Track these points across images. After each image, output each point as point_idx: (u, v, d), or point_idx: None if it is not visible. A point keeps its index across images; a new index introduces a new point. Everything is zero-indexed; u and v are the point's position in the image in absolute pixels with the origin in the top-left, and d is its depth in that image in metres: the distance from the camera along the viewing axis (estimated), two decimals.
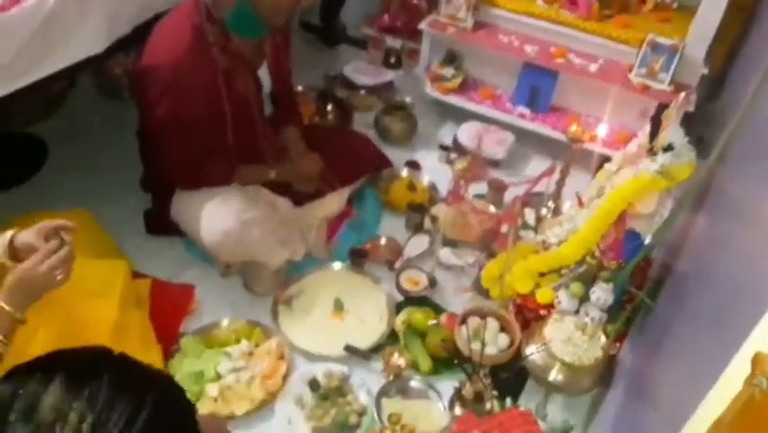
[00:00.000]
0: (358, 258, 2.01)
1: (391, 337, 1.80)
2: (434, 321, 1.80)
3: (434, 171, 2.39)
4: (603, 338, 1.61)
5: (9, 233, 1.22)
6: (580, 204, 1.76)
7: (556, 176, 2.06)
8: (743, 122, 1.38)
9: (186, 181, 1.80)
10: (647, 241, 1.59)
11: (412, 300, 1.90)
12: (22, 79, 1.56)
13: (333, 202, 2.07)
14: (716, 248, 1.23)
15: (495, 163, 2.45)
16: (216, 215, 1.74)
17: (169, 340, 1.68)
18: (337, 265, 1.99)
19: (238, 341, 1.71)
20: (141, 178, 2.00)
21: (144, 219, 2.01)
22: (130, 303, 1.57)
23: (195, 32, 1.64)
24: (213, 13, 1.65)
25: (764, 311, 0.71)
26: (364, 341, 1.77)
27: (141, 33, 1.88)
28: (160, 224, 1.96)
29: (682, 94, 1.59)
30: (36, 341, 1.27)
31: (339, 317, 1.85)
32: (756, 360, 0.58)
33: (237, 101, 1.75)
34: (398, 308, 1.87)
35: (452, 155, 2.44)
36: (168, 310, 1.72)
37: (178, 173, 1.78)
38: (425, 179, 2.36)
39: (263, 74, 1.94)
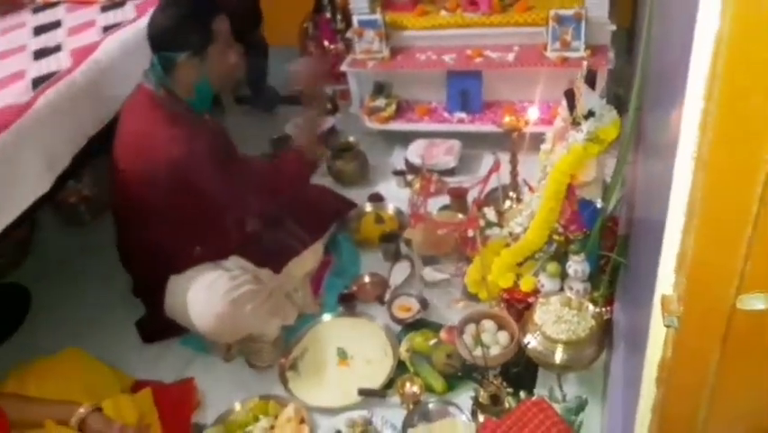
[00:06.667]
0: (347, 303, 2.06)
1: (400, 368, 1.83)
2: (434, 340, 1.85)
3: (397, 198, 2.45)
4: (592, 307, 1.66)
5: (83, 409, 1.52)
6: (531, 189, 1.83)
7: (506, 168, 2.13)
8: (644, 71, 1.46)
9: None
10: (600, 204, 1.65)
11: (410, 327, 1.95)
12: None
13: (310, 258, 2.12)
14: (652, 189, 1.29)
15: (450, 172, 2.52)
16: (207, 301, 1.78)
17: None
18: (329, 316, 2.04)
19: (257, 419, 1.74)
20: (132, 287, 2.05)
21: (138, 329, 2.06)
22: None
23: (170, 116, 1.74)
24: (171, 99, 1.76)
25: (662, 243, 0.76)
26: (376, 380, 1.81)
27: (81, 161, 1.96)
28: (154, 329, 2.01)
29: (585, 62, 1.67)
30: None
31: (346, 364, 1.89)
32: (663, 302, 0.64)
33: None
34: (399, 338, 1.91)
35: (409, 177, 2.52)
36: (175, 410, 1.75)
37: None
38: (390, 208, 2.42)
39: None
